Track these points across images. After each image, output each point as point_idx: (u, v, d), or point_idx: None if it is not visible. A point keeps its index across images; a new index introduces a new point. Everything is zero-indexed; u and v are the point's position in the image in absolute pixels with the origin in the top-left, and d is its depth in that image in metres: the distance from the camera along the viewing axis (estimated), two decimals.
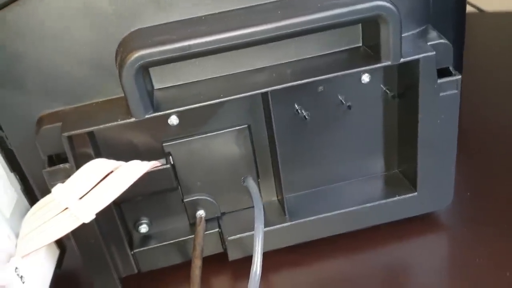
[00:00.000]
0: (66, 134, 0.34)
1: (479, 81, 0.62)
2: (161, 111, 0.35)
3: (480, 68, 0.65)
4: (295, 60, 0.37)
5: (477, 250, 0.42)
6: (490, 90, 0.61)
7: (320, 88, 0.39)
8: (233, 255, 0.42)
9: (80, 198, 0.35)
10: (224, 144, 0.40)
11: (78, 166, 0.35)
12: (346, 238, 0.43)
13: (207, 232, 0.42)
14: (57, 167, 0.35)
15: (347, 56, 0.37)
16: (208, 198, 0.42)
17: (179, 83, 0.37)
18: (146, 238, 0.43)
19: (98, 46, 0.34)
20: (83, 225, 0.35)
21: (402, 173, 0.44)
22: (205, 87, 0.36)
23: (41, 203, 0.36)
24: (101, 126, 0.34)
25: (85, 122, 0.35)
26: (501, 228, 0.43)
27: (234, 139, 0.40)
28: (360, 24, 0.37)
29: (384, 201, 0.42)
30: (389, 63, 0.35)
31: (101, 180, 0.35)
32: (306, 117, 0.40)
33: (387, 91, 0.40)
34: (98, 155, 0.38)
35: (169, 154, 0.39)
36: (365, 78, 0.39)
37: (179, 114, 0.38)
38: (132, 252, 0.42)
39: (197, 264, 0.38)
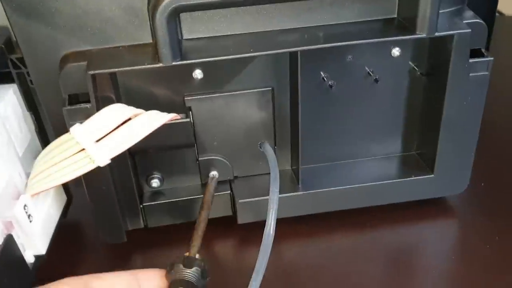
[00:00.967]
0: (91, 72, 0.33)
1: (497, 83, 0.62)
2: (189, 60, 0.34)
3: (500, 69, 0.65)
4: (328, 25, 0.36)
5: (487, 238, 0.41)
6: (509, 91, 0.61)
7: (349, 57, 0.39)
8: (242, 218, 0.42)
9: (97, 141, 0.34)
10: (245, 105, 0.40)
11: (98, 108, 0.35)
12: (358, 214, 0.43)
13: (218, 194, 0.41)
14: (78, 106, 0.35)
15: (382, 26, 0.36)
16: (223, 160, 0.42)
17: (208, 36, 0.36)
18: (156, 193, 0.42)
19: None
20: (96, 170, 0.34)
21: (420, 155, 0.44)
22: (235, 41, 0.36)
23: (56, 142, 0.35)
24: (128, 68, 0.34)
25: (111, 63, 0.34)
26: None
27: (256, 101, 0.40)
28: None
29: (399, 180, 0.42)
30: (424, 35, 0.35)
31: (119, 125, 0.35)
32: (332, 86, 0.39)
33: (415, 68, 0.40)
34: (119, 100, 0.37)
35: (190, 109, 0.39)
36: (396, 51, 0.39)
37: (204, 68, 0.37)
38: (142, 206, 0.41)
39: (201, 218, 0.37)
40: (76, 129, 0.34)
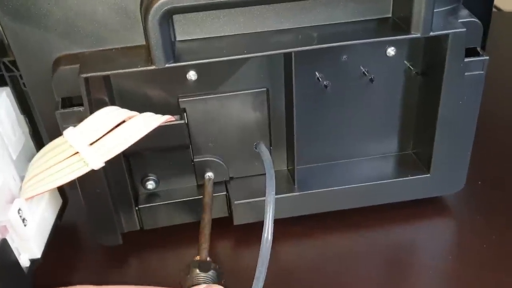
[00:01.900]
0: (84, 75, 0.33)
1: (496, 79, 0.62)
2: (182, 62, 0.34)
3: (497, 65, 0.65)
4: (322, 25, 0.36)
5: (483, 237, 0.41)
6: (507, 88, 0.61)
7: (344, 57, 0.39)
8: (238, 219, 0.42)
9: (91, 144, 0.34)
10: (240, 106, 0.39)
11: (91, 111, 0.34)
12: (354, 214, 0.43)
13: (213, 195, 0.41)
14: (71, 109, 0.35)
15: (376, 25, 0.36)
16: (218, 161, 0.41)
17: (202, 37, 0.36)
18: (152, 195, 0.42)
19: None
20: (91, 173, 0.34)
21: (416, 155, 0.44)
22: (228, 42, 0.35)
23: (50, 146, 0.35)
24: (121, 71, 0.33)
25: (104, 65, 0.34)
26: (508, 218, 0.43)
27: (251, 102, 0.39)
28: None
29: (395, 179, 0.42)
30: (418, 35, 0.35)
31: (113, 128, 0.34)
32: (327, 86, 0.39)
33: (411, 68, 0.40)
34: (113, 103, 0.37)
35: (184, 110, 0.39)
36: (391, 51, 0.39)
37: (198, 70, 0.37)
38: (137, 208, 0.41)
39: (206, 221, 0.37)
40: (70, 133, 0.34)
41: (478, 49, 0.38)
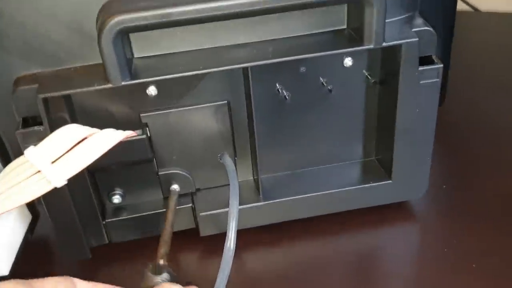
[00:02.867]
0: (41, 96, 0.34)
1: (469, 78, 0.62)
2: (138, 79, 0.34)
3: (472, 65, 0.66)
4: (278, 38, 0.37)
5: (446, 241, 0.42)
6: (479, 88, 0.61)
7: (302, 68, 0.39)
8: (204, 230, 0.42)
9: (53, 162, 0.34)
10: (202, 119, 0.40)
11: (52, 130, 0.35)
12: (320, 221, 0.44)
13: (180, 207, 0.42)
14: (30, 129, 0.35)
15: (331, 37, 0.37)
16: (183, 173, 0.42)
17: (159, 53, 0.36)
18: (118, 209, 0.43)
19: (80, 10, 0.34)
20: (55, 190, 0.35)
21: (379, 161, 0.45)
22: (186, 58, 0.36)
23: (12, 165, 0.36)
24: (78, 90, 0.34)
25: (62, 85, 0.34)
26: (472, 221, 0.44)
27: (213, 114, 0.40)
28: (345, 6, 0.37)
29: (358, 186, 0.43)
30: (371, 46, 0.35)
31: (75, 146, 0.35)
32: (287, 97, 0.40)
33: (369, 77, 0.40)
34: (74, 120, 0.37)
35: (146, 125, 0.39)
36: (348, 61, 0.39)
37: (158, 85, 0.38)
38: (104, 222, 0.42)
39: (165, 228, 0.38)
40: (30, 152, 0.34)
41: (433, 57, 0.38)
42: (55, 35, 0.35)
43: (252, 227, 0.43)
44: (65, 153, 0.35)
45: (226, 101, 0.40)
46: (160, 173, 0.41)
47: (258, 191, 0.42)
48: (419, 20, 0.38)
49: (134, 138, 0.38)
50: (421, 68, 0.38)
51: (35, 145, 0.35)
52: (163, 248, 0.36)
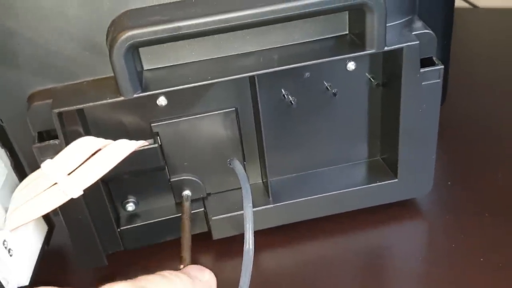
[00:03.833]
0: (56, 110, 0.35)
1: (468, 75, 0.63)
2: (149, 91, 0.35)
3: (471, 62, 0.66)
4: (282, 46, 0.38)
5: (453, 237, 0.43)
6: (478, 84, 0.62)
7: (307, 74, 0.40)
8: (217, 234, 0.43)
9: (69, 174, 0.36)
10: (211, 126, 0.41)
11: (67, 143, 0.36)
12: (328, 222, 0.45)
13: (192, 211, 0.43)
14: (46, 143, 0.36)
15: (334, 43, 0.38)
16: (194, 179, 0.43)
17: (168, 65, 0.37)
18: (132, 216, 0.44)
19: (91, 25, 0.35)
20: (71, 201, 0.36)
21: (384, 160, 0.46)
22: (194, 69, 0.37)
23: (30, 178, 0.37)
24: (91, 104, 0.35)
25: (75, 99, 0.35)
26: (477, 217, 0.45)
27: (221, 121, 0.41)
28: (347, 12, 0.38)
29: (365, 186, 0.44)
30: (373, 51, 0.36)
31: (89, 157, 0.36)
32: (292, 102, 0.41)
33: (372, 79, 0.42)
34: (88, 133, 0.38)
35: (157, 134, 0.40)
36: (351, 65, 0.40)
37: (168, 95, 0.39)
38: (119, 230, 0.43)
39: (185, 234, 0.39)
40: (47, 165, 0.36)
41: (434, 58, 0.39)
42: (67, 51, 0.36)
43: (262, 229, 0.44)
44: (80, 164, 0.36)
45: (234, 108, 0.41)
46: (172, 180, 0.43)
47: (268, 194, 0.44)
48: (418, 23, 0.39)
49: (146, 147, 0.39)
50: (422, 70, 0.39)
51: (51, 158, 0.36)
52: (186, 252, 0.37)
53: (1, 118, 0.38)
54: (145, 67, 0.37)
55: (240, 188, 0.40)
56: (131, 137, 0.37)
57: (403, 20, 0.39)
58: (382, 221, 0.45)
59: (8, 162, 0.42)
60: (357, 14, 0.36)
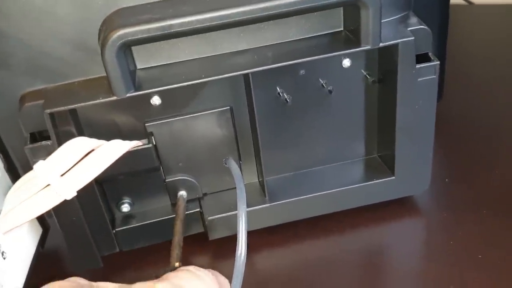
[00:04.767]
0: (48, 111, 0.34)
1: (464, 71, 0.63)
2: (142, 90, 0.35)
3: (466, 58, 0.66)
4: (277, 43, 0.38)
5: (451, 234, 0.43)
6: (474, 81, 0.62)
7: (302, 71, 0.40)
8: (213, 234, 0.43)
9: (62, 175, 0.35)
10: (206, 125, 0.41)
11: (60, 143, 0.35)
12: (325, 220, 0.44)
13: (188, 212, 0.42)
14: (38, 144, 0.36)
15: (328, 40, 0.37)
16: (190, 179, 0.43)
17: (161, 64, 0.37)
18: (128, 217, 0.43)
19: (82, 25, 0.35)
20: (65, 202, 0.35)
21: (381, 158, 0.45)
22: (187, 67, 0.37)
23: (22, 180, 0.36)
24: (83, 104, 0.35)
25: (67, 99, 0.35)
26: (475, 213, 0.45)
27: (216, 120, 0.41)
28: (341, 8, 0.37)
29: (362, 184, 0.43)
30: (368, 47, 0.36)
31: (82, 158, 0.36)
32: (288, 100, 0.40)
33: (368, 76, 0.41)
34: (81, 133, 0.38)
35: (151, 134, 0.40)
36: (346, 62, 0.40)
37: (162, 94, 0.38)
38: (114, 231, 0.42)
39: (179, 234, 0.38)
40: (40, 166, 0.35)
41: (430, 54, 0.39)
42: (58, 51, 0.35)
43: (259, 228, 0.43)
44: (74, 165, 0.36)
45: (228, 107, 0.40)
46: (167, 180, 0.42)
47: (264, 193, 0.43)
48: (413, 19, 0.39)
49: (140, 147, 0.39)
50: (418, 66, 0.38)
51: (43, 159, 0.35)
52: (176, 250, 0.37)
53: None
54: (138, 66, 0.37)
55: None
56: (125, 138, 0.37)
57: (398, 16, 0.39)
58: (380, 219, 0.45)
59: (1, 164, 0.42)
60: (352, 10, 0.36)
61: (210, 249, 0.44)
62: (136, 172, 0.41)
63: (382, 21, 0.36)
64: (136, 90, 0.35)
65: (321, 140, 0.44)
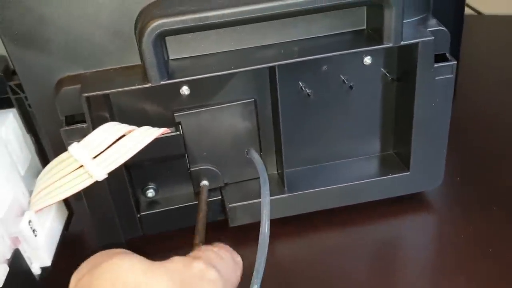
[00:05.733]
0: (85, 94, 0.36)
1: (476, 79, 0.65)
2: (175, 79, 0.37)
3: (477, 68, 0.68)
4: (302, 39, 0.39)
5: (462, 228, 0.45)
6: (485, 88, 0.64)
7: (324, 67, 0.42)
8: (233, 221, 0.45)
9: (94, 157, 0.37)
10: (230, 117, 0.43)
11: (93, 127, 0.37)
12: (341, 213, 0.46)
13: (210, 199, 0.44)
14: (74, 126, 0.37)
15: (352, 37, 0.39)
16: (213, 168, 0.44)
17: (192, 55, 0.39)
18: (152, 203, 0.45)
19: (121, 14, 0.37)
20: (95, 184, 0.37)
21: (397, 154, 0.47)
22: (216, 59, 0.38)
23: (56, 161, 0.38)
24: (119, 89, 0.36)
25: (104, 85, 0.37)
26: (486, 210, 0.46)
27: (240, 112, 0.42)
28: (365, 8, 0.39)
29: (378, 178, 0.45)
30: (390, 45, 0.38)
31: (114, 142, 0.37)
32: (310, 94, 0.42)
33: (387, 74, 0.43)
34: (113, 118, 0.40)
35: (179, 123, 0.42)
36: (367, 60, 0.42)
37: (191, 85, 0.40)
38: (139, 215, 0.44)
39: (202, 221, 0.40)
40: (74, 148, 0.37)
41: (447, 54, 0.41)
42: (96, 39, 0.37)
43: (278, 218, 0.45)
44: (106, 148, 0.37)
45: (253, 99, 0.42)
46: (191, 168, 0.44)
47: (283, 184, 0.45)
48: (432, 21, 0.41)
49: (168, 135, 0.41)
50: (436, 65, 0.40)
51: (78, 141, 0.37)
52: (199, 236, 0.38)
53: (29, 103, 0.40)
54: (171, 56, 0.38)
55: (256, 178, 0.41)
56: (153, 125, 0.39)
57: (418, 17, 0.41)
58: (393, 212, 0.46)
59: (33, 148, 0.44)
60: (375, 10, 0.38)
61: (230, 236, 0.46)
62: (163, 158, 0.42)
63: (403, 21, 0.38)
64: (169, 78, 0.37)
65: (340, 135, 0.46)
